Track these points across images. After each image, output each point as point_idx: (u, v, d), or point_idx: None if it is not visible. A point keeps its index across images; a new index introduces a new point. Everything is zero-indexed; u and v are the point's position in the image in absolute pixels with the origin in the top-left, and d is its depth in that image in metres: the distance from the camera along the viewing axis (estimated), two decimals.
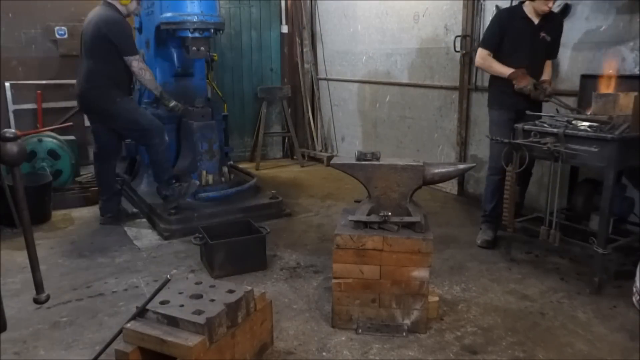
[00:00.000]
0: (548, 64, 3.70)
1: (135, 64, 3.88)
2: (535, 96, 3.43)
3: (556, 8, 3.79)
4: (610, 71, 3.31)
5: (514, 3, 4.07)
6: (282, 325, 2.66)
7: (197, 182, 4.22)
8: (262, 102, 6.55)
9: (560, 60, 3.90)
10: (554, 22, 3.60)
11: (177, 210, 4.04)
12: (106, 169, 4.23)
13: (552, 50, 3.67)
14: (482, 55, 3.64)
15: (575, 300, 2.93)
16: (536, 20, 3.53)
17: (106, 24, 3.77)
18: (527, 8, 3.54)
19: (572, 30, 3.80)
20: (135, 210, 4.51)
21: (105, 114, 3.95)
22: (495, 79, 3.65)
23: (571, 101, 3.69)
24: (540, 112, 3.45)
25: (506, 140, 3.24)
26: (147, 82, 4.01)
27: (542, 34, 3.55)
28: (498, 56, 3.61)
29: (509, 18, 3.60)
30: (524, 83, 3.40)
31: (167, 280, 2.10)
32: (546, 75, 3.64)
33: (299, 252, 3.67)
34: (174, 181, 4.16)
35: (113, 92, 3.90)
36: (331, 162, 2.71)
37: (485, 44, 3.66)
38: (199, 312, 2.06)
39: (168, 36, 4.39)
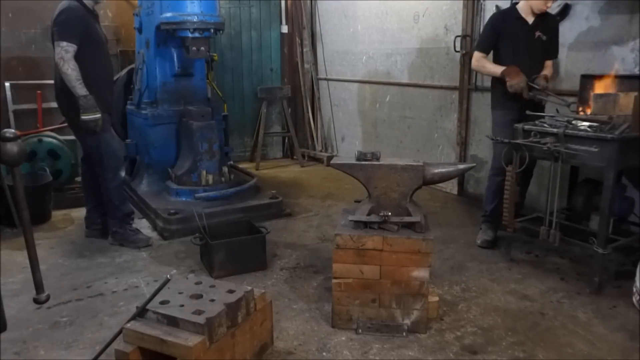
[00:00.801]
0: (549, 63, 3.70)
1: (57, 50, 3.31)
2: (528, 94, 3.41)
3: (556, 8, 3.80)
4: (610, 71, 3.31)
5: (499, 4, 4.11)
6: (282, 325, 2.66)
7: (149, 241, 3.82)
8: (262, 102, 6.55)
9: (560, 60, 3.90)
10: (548, 21, 3.61)
11: (114, 243, 3.79)
12: (90, 175, 3.82)
13: (550, 49, 3.67)
14: (476, 58, 3.68)
15: (575, 300, 2.93)
16: (530, 20, 3.55)
17: (57, 14, 3.36)
18: (522, 8, 3.56)
19: (572, 30, 3.80)
20: (150, 243, 3.90)
21: (70, 122, 3.60)
22: (497, 79, 3.66)
23: (571, 101, 3.69)
24: (543, 113, 3.45)
25: (506, 141, 3.24)
26: (63, 77, 3.34)
27: (538, 33, 3.56)
28: (497, 59, 3.64)
29: (503, 20, 3.63)
30: (517, 80, 3.38)
31: (167, 280, 2.10)
32: (546, 71, 3.63)
33: (299, 252, 3.67)
34: (131, 222, 3.83)
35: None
36: (331, 162, 2.71)
37: (479, 47, 3.70)
38: (199, 312, 2.06)
39: (168, 36, 4.39)
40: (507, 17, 3.62)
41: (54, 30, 3.36)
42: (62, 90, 3.44)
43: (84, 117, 3.35)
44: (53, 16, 3.41)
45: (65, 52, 3.30)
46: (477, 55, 3.67)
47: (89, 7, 3.53)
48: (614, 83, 3.24)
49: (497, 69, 3.52)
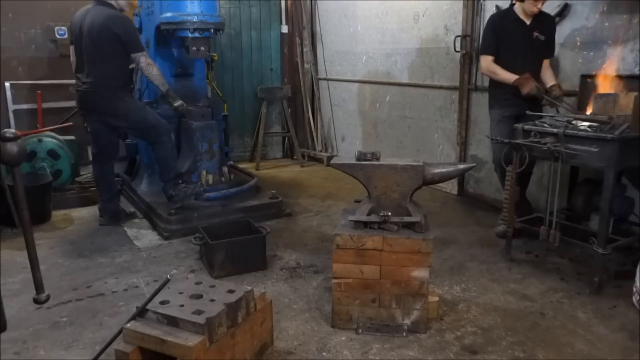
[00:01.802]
0: (547, 66, 3.74)
1: (143, 59, 3.88)
2: (541, 97, 3.49)
3: (556, 8, 3.80)
4: (610, 71, 3.31)
5: (499, 4, 4.14)
6: (282, 325, 2.66)
7: (202, 185, 4.24)
8: (262, 102, 6.55)
9: (560, 60, 3.90)
10: (545, 21, 3.66)
11: (178, 210, 4.04)
12: (105, 170, 4.22)
13: (547, 49, 3.71)
14: (486, 62, 3.72)
15: (575, 300, 2.93)
16: (528, 21, 3.61)
17: (115, 23, 3.74)
18: (518, 9, 3.61)
19: (572, 30, 3.80)
20: (132, 209, 4.51)
21: (113, 113, 3.93)
22: (496, 80, 3.69)
23: (571, 101, 3.70)
24: (541, 112, 3.46)
25: (506, 140, 3.24)
26: (154, 78, 3.98)
27: (536, 34, 3.61)
28: (496, 59, 3.68)
29: (501, 21, 3.69)
30: (529, 88, 3.45)
31: (167, 280, 2.10)
32: (550, 79, 3.68)
33: (299, 252, 3.67)
34: (180, 181, 4.16)
35: (121, 91, 3.93)
36: (331, 162, 2.71)
37: (486, 50, 3.74)
38: (199, 312, 2.06)
39: (168, 36, 4.38)
40: (505, 18, 3.68)
41: (124, 42, 3.79)
42: (104, 87, 3.86)
43: (176, 104, 4.12)
44: (111, 23, 3.75)
45: (150, 59, 3.96)
46: (486, 59, 3.72)
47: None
48: (614, 83, 3.24)
49: (510, 77, 3.57)
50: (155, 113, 4.14)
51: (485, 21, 4.27)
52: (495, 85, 3.75)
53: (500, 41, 3.63)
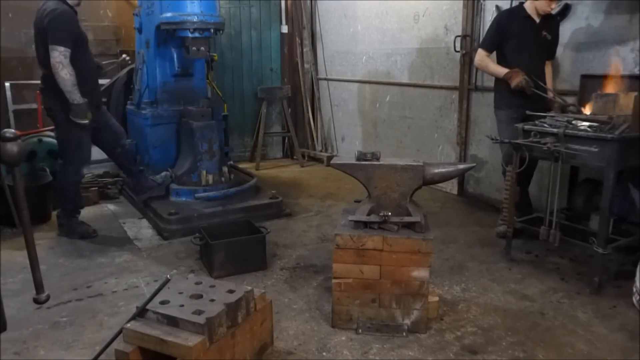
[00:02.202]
0: (549, 68, 3.76)
1: (55, 54, 3.44)
2: (530, 89, 3.48)
3: (556, 8, 3.80)
4: (610, 71, 3.31)
5: (514, 3, 4.11)
6: (282, 325, 2.66)
7: (171, 175, 4.35)
8: (262, 102, 6.55)
9: (560, 60, 3.90)
10: (552, 21, 3.68)
11: (147, 201, 4.09)
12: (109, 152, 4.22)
13: (551, 49, 3.73)
14: (480, 56, 3.72)
15: (575, 300, 2.93)
16: (537, 20, 3.59)
17: (46, 15, 3.47)
18: (530, 7, 3.59)
19: (572, 30, 3.80)
20: (94, 234, 3.99)
21: (50, 114, 3.78)
22: (501, 79, 3.68)
23: (571, 101, 3.69)
24: (545, 112, 3.45)
25: (506, 140, 3.24)
26: (60, 82, 3.51)
27: (544, 33, 3.62)
28: (503, 57, 3.68)
29: (509, 19, 3.66)
30: (517, 80, 3.47)
31: (167, 280, 2.10)
32: (549, 81, 3.71)
33: (299, 252, 3.67)
34: (77, 214, 3.99)
35: (57, 93, 3.58)
36: (331, 162, 2.71)
37: (484, 45, 3.74)
38: (199, 312, 2.06)
39: (168, 36, 4.39)
40: (514, 16, 3.66)
41: (47, 34, 3.47)
42: (49, 88, 3.62)
43: (76, 120, 3.62)
44: (40, 17, 3.53)
45: (64, 57, 3.48)
46: (480, 53, 3.72)
47: (74, 8, 3.70)
48: (613, 83, 3.24)
49: (500, 71, 3.58)
50: (82, 140, 3.79)
51: (485, 21, 4.28)
52: (501, 85, 3.72)
53: (507, 39, 3.63)
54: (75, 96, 3.54)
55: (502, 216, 3.43)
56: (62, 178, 3.89)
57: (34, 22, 3.63)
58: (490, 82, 4.16)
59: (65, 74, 3.47)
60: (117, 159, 4.27)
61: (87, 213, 4.53)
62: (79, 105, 3.58)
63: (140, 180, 4.24)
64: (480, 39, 4.28)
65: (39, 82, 3.78)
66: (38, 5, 3.65)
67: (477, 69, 4.54)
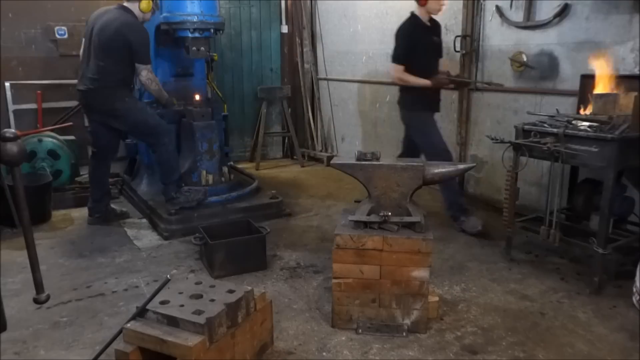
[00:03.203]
0: (445, 62, 4.23)
1: (145, 73, 3.88)
2: (448, 83, 4.04)
3: (556, 8, 3.80)
4: (611, 71, 3.31)
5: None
6: (282, 325, 2.66)
7: (206, 191, 4.18)
8: (262, 102, 6.55)
9: (560, 60, 3.90)
10: (437, 25, 4.07)
11: (178, 211, 4.02)
12: (102, 169, 4.23)
13: (441, 51, 4.14)
14: (398, 72, 3.92)
15: (575, 300, 2.93)
16: (428, 25, 3.92)
17: (130, 30, 3.78)
18: (422, 14, 3.88)
19: (572, 30, 3.80)
20: (124, 209, 4.48)
21: (113, 113, 3.92)
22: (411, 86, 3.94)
23: (571, 101, 3.71)
24: (439, 101, 4.14)
25: (507, 140, 3.24)
26: (153, 93, 4.06)
27: (435, 37, 3.99)
28: (410, 65, 3.89)
29: (414, 29, 3.90)
30: (443, 83, 3.97)
31: (167, 280, 2.10)
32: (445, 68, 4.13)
33: (299, 252, 3.67)
34: (183, 184, 4.13)
35: (123, 91, 3.93)
36: (331, 162, 2.71)
37: (399, 60, 3.93)
38: (199, 312, 2.06)
39: (168, 36, 4.38)
40: (416, 26, 3.90)
41: (132, 51, 3.80)
42: (105, 85, 3.86)
43: (171, 108, 4.29)
44: (111, 28, 3.79)
45: (151, 72, 3.95)
46: (397, 68, 3.92)
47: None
48: (613, 83, 3.24)
49: (423, 82, 3.88)
50: (156, 114, 4.12)
51: (486, 21, 4.29)
52: (413, 92, 3.95)
53: (415, 48, 3.84)
54: (166, 97, 4.16)
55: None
56: (163, 153, 4.03)
57: (95, 30, 3.83)
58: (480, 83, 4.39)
59: (155, 86, 4.01)
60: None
61: (87, 213, 4.53)
62: (169, 99, 4.19)
63: (170, 190, 4.10)
64: (480, 39, 4.30)
65: (39, 82, 3.81)
66: (38, 5, 3.66)
67: (477, 69, 4.55)
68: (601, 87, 3.22)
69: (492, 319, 2.72)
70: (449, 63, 4.48)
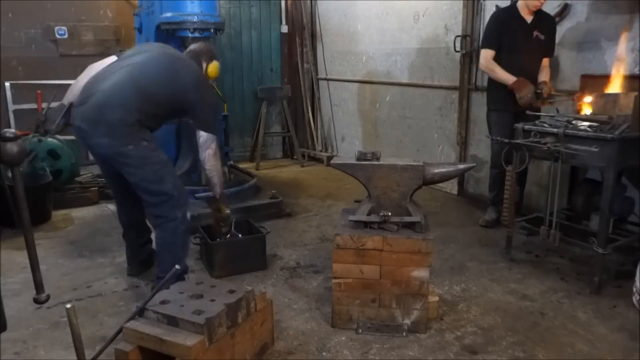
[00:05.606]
0: (546, 64, 3.76)
1: (214, 148, 2.79)
2: (534, 103, 3.53)
3: (555, 8, 3.80)
4: (611, 71, 3.31)
5: (500, 4, 4.16)
6: (282, 325, 2.66)
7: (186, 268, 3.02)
8: (262, 102, 6.55)
9: (560, 60, 3.90)
10: (546, 21, 3.69)
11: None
12: (129, 212, 3.17)
13: (547, 48, 3.73)
14: (486, 58, 3.71)
15: (575, 300, 2.92)
16: (529, 19, 3.63)
17: (198, 85, 2.79)
18: (521, 6, 3.64)
19: (572, 30, 3.80)
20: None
21: (119, 156, 2.66)
22: (495, 80, 3.69)
23: (571, 101, 3.70)
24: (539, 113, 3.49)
25: (506, 140, 3.24)
26: (217, 174, 2.88)
27: (536, 33, 3.64)
28: (497, 56, 3.67)
29: (505, 17, 3.70)
30: (525, 91, 3.50)
31: (176, 271, 2.10)
32: (544, 76, 3.71)
33: (299, 252, 3.67)
34: (185, 277, 2.84)
35: (139, 129, 2.66)
36: (331, 162, 2.71)
37: (487, 44, 3.74)
38: (198, 312, 2.06)
39: (168, 36, 4.38)
40: (508, 15, 3.69)
41: (198, 112, 2.80)
42: (138, 138, 2.66)
43: (226, 212, 3.14)
44: (193, 82, 2.78)
45: (217, 144, 2.87)
46: (486, 53, 3.71)
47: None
48: (614, 83, 3.24)
49: (508, 78, 3.58)
50: (178, 177, 2.90)
51: (485, 21, 4.28)
52: (495, 86, 3.76)
53: (502, 38, 3.66)
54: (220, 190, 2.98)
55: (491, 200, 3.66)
56: (171, 233, 2.75)
57: (156, 62, 2.81)
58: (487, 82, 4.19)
59: (220, 167, 2.91)
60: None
61: (87, 213, 4.54)
62: (224, 195, 3.12)
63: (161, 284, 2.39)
64: (480, 39, 4.29)
65: (39, 82, 3.74)
66: (38, 5, 3.63)
67: (477, 69, 4.55)
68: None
69: (492, 319, 2.72)
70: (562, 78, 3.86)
